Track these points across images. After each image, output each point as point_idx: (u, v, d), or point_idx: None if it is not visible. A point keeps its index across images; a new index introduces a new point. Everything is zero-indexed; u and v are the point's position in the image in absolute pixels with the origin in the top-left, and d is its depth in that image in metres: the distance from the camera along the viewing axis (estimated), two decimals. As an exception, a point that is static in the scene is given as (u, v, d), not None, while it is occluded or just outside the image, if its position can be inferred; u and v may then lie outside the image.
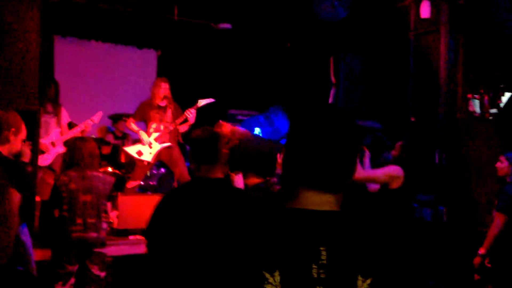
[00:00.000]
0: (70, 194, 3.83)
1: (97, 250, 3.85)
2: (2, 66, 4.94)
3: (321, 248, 1.15)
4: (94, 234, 3.89)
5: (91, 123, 6.00)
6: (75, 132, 5.87)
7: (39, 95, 5.30)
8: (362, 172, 4.06)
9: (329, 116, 1.25)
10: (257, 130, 7.49)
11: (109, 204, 4.10)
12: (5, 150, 2.37)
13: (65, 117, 6.11)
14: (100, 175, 4.06)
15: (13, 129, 2.36)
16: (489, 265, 4.05)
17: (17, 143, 2.45)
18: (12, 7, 4.99)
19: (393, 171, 4.14)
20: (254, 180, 5.06)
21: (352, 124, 1.24)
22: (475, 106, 5.74)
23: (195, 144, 2.61)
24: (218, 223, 2.48)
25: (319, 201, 1.21)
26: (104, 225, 4.03)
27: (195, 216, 2.43)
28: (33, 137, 4.50)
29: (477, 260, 4.11)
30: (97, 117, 6.09)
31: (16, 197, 2.56)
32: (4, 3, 4.93)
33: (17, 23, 4.99)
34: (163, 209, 2.50)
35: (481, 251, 4.10)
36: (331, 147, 1.20)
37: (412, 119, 6.26)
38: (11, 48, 4.96)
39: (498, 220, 4.06)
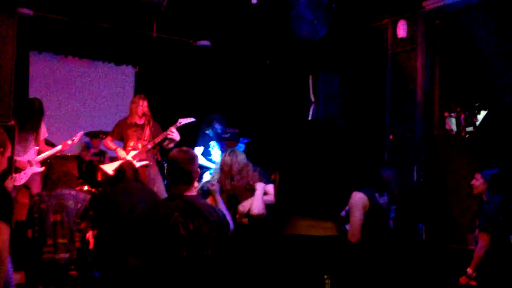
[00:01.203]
0: (40, 214, 3.74)
1: (71, 272, 3.75)
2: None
3: (325, 277, 1.08)
4: (65, 255, 3.79)
5: (70, 143, 5.92)
6: (53, 152, 5.77)
7: (14, 111, 5.21)
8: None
9: (324, 134, 1.18)
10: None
11: (83, 224, 4.00)
12: None
13: (44, 133, 5.99)
14: (72, 192, 3.95)
15: (1, 149, 2.23)
16: (474, 283, 4.06)
17: (4, 162, 2.29)
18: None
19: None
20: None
21: (349, 142, 1.18)
22: (452, 124, 5.82)
23: (172, 165, 2.80)
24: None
25: (318, 226, 1.15)
26: (77, 244, 3.93)
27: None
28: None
29: (463, 280, 4.11)
30: (77, 137, 6.01)
31: (5, 234, 2.34)
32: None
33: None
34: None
35: (469, 271, 4.09)
36: (329, 169, 1.14)
37: (390, 137, 6.31)
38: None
39: (482, 240, 4.05)
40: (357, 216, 3.86)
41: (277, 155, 1.21)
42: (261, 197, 3.84)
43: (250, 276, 1.08)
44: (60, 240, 3.73)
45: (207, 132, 6.94)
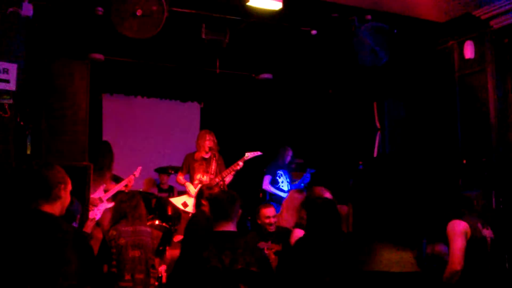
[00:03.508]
0: (119, 249, 3.83)
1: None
2: (54, 123, 5.12)
3: None
4: (142, 290, 3.85)
5: (133, 178, 6.32)
6: (119, 187, 6.11)
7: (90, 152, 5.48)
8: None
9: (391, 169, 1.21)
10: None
11: (157, 259, 4.08)
12: (57, 209, 2.30)
13: (109, 174, 6.37)
14: (149, 229, 4.07)
15: (62, 185, 2.33)
16: None
17: (68, 196, 2.39)
18: (64, 68, 5.24)
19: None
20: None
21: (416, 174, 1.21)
22: (530, 145, 5.50)
23: (214, 203, 3.08)
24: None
25: (399, 260, 1.14)
26: (152, 281, 3.99)
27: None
28: (83, 192, 4.59)
29: None
30: (137, 172, 6.48)
31: None
32: (57, 65, 5.17)
33: (69, 83, 5.21)
34: None
35: None
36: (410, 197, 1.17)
37: (464, 162, 6.04)
38: (63, 106, 5.16)
39: None
40: (458, 243, 3.66)
41: (350, 189, 1.28)
42: None
43: None
44: (138, 276, 3.81)
45: (275, 161, 7.36)
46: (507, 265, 5.38)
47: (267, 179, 7.28)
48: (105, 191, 6.12)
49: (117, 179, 6.53)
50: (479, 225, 3.80)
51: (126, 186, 6.27)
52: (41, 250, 2.02)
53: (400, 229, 1.15)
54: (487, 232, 3.85)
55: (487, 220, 3.99)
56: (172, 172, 7.82)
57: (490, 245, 3.83)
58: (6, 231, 2.10)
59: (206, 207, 4.14)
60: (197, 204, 4.42)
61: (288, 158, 7.57)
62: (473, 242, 3.72)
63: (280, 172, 7.42)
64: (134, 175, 6.38)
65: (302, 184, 7.39)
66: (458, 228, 3.71)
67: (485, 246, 3.81)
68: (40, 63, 5.35)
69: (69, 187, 2.34)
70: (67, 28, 5.95)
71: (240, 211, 3.06)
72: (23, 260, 2.02)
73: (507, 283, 5.13)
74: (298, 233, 4.14)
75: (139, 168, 6.54)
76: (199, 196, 4.40)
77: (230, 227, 2.96)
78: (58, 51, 5.83)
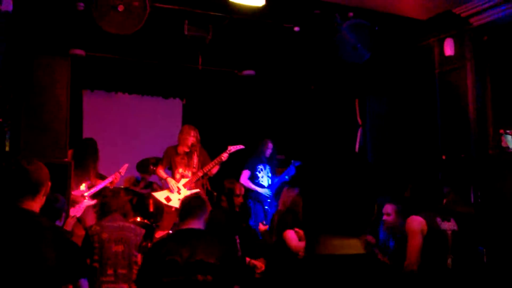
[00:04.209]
0: (102, 244, 3.81)
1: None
2: (34, 120, 5.05)
3: None
4: (125, 286, 3.83)
5: (119, 175, 6.21)
6: (104, 184, 6.02)
7: (70, 148, 5.42)
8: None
9: (349, 166, 1.32)
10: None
11: (139, 256, 4.06)
12: (38, 206, 2.28)
13: (94, 172, 6.27)
14: (132, 226, 4.05)
15: (49, 183, 2.31)
16: None
17: (43, 199, 2.36)
18: (44, 64, 5.16)
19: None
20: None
21: (370, 172, 1.31)
22: (508, 141, 5.60)
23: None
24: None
25: (346, 244, 1.25)
26: (135, 276, 3.97)
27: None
28: (65, 189, 4.54)
29: None
30: (123, 169, 6.34)
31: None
32: (37, 60, 5.10)
33: (49, 79, 5.15)
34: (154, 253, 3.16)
35: None
36: (352, 194, 1.27)
37: (443, 157, 6.13)
38: (43, 102, 5.09)
39: None
40: (414, 241, 3.73)
41: (309, 183, 1.35)
42: None
43: None
44: (121, 271, 3.79)
45: (255, 156, 7.15)
46: (485, 258, 5.48)
47: (245, 174, 7.01)
48: (90, 188, 6.06)
49: (101, 177, 6.47)
50: (438, 219, 3.87)
51: (111, 183, 6.20)
52: (19, 247, 2.01)
53: (343, 220, 1.27)
54: (448, 225, 3.92)
55: (452, 214, 4.05)
56: (154, 168, 7.78)
57: (452, 237, 3.91)
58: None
59: (224, 203, 4.27)
60: (217, 200, 4.51)
61: (269, 151, 7.28)
62: (432, 236, 3.79)
63: (260, 166, 7.20)
64: (120, 172, 6.25)
65: (287, 177, 7.27)
66: (414, 225, 3.78)
67: (445, 239, 3.88)
68: (20, 58, 5.28)
69: (47, 190, 2.33)
70: (48, 24, 5.88)
71: (209, 210, 3.38)
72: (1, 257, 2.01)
73: (485, 276, 5.23)
74: (290, 234, 4.20)
75: (125, 165, 6.40)
76: (219, 192, 4.51)
77: (195, 224, 3.23)
78: (38, 46, 5.75)
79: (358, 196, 1.28)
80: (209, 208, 3.35)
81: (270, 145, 7.33)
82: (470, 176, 5.85)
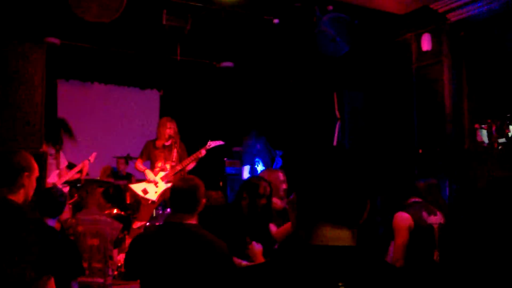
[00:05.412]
0: (77, 237, 3.76)
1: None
2: (8, 109, 4.93)
3: (340, 284, 1.18)
4: (100, 280, 3.79)
5: (88, 163, 6.28)
6: (73, 172, 6.04)
7: (44, 138, 5.31)
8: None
9: (341, 158, 1.35)
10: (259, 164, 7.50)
11: (115, 250, 4.02)
12: (21, 197, 2.19)
13: (64, 160, 6.25)
14: (109, 219, 4.00)
15: (26, 173, 2.23)
16: None
17: (33, 182, 2.28)
18: (18, 52, 5.03)
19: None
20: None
21: (360, 165, 1.34)
22: (483, 136, 5.70)
23: (174, 193, 2.77)
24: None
25: (337, 236, 1.27)
26: (110, 271, 3.94)
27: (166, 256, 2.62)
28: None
29: None
30: (92, 157, 6.40)
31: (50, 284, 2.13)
32: (10, 48, 4.97)
33: (23, 67, 5.02)
34: (135, 249, 2.72)
35: None
36: (344, 186, 1.30)
37: (420, 151, 6.21)
38: (17, 91, 4.97)
39: None
40: (400, 239, 3.75)
41: (301, 177, 1.36)
42: None
43: (270, 282, 1.20)
44: (96, 265, 3.74)
45: (248, 151, 7.24)
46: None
47: (245, 170, 7.17)
48: (59, 176, 6.00)
49: (71, 166, 6.43)
50: (424, 213, 3.88)
51: (81, 171, 6.24)
52: (2, 238, 1.96)
53: (342, 210, 1.28)
54: (434, 219, 3.94)
55: (438, 206, 4.09)
56: (131, 159, 7.70)
57: (439, 230, 3.94)
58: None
59: (246, 201, 3.73)
60: (238, 196, 3.88)
61: (263, 145, 7.51)
62: (418, 231, 3.81)
63: (257, 159, 7.32)
64: (89, 160, 6.34)
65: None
66: (401, 222, 3.79)
67: (432, 233, 3.90)
68: (-8, 45, 5.13)
69: (35, 174, 2.26)
70: (22, 10, 5.72)
71: (204, 200, 2.80)
72: None
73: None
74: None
75: (94, 153, 6.49)
76: (242, 188, 3.87)
77: (188, 219, 2.74)
78: (12, 33, 5.60)
79: (350, 187, 1.30)
80: (203, 200, 2.85)
81: (264, 139, 7.56)
82: (445, 170, 5.94)
